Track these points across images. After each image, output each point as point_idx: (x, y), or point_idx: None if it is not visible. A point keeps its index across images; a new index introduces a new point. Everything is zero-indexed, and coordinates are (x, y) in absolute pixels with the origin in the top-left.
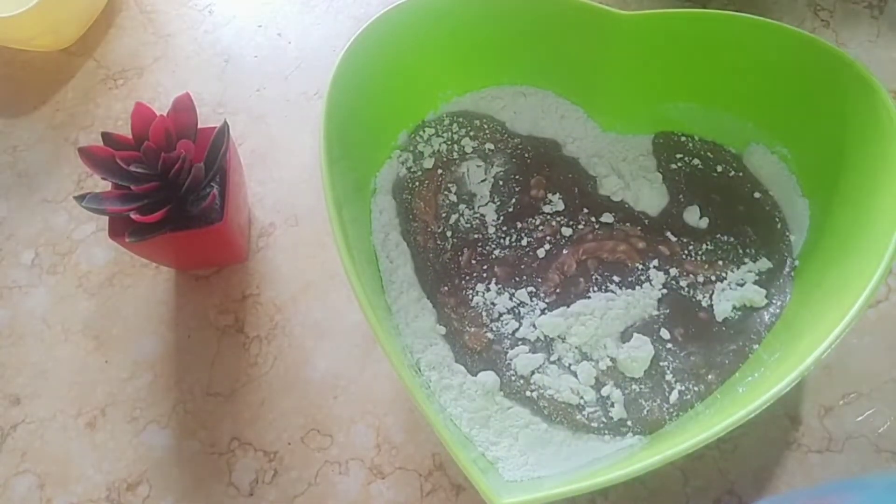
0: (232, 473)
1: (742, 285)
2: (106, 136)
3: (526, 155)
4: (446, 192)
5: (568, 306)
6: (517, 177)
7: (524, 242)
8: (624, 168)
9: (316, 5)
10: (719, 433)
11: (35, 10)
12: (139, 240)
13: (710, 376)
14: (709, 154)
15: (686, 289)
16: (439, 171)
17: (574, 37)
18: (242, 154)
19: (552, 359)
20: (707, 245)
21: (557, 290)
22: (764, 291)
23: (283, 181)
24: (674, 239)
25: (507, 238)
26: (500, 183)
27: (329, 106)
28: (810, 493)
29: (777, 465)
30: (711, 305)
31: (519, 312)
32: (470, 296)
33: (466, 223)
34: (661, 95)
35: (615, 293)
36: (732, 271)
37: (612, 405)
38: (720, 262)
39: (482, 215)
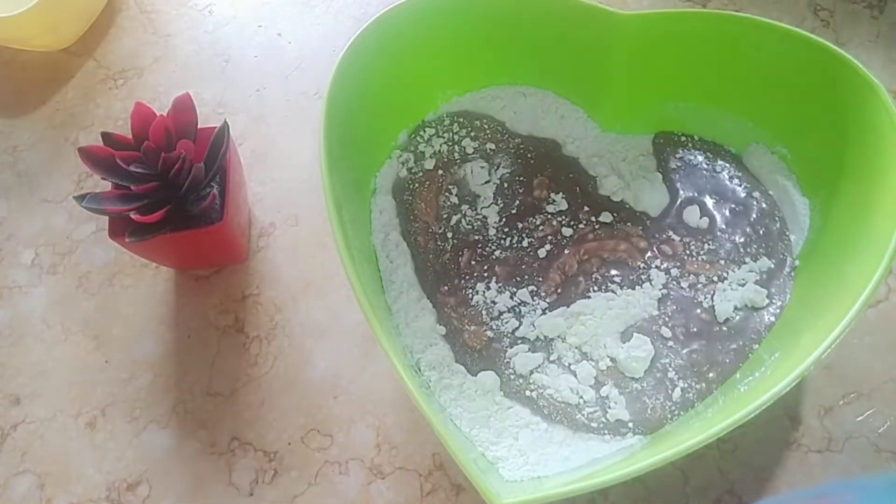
0: (232, 473)
1: (743, 285)
2: (106, 136)
3: (529, 155)
4: (447, 194)
5: (568, 306)
6: (521, 178)
7: (525, 243)
8: (624, 168)
9: (316, 5)
10: (719, 433)
11: (35, 10)
12: (139, 240)
13: (711, 374)
14: (709, 154)
15: (687, 289)
16: (440, 171)
17: (574, 37)
18: (242, 154)
19: (552, 358)
20: (709, 245)
21: (558, 290)
22: (765, 291)
23: (283, 181)
24: (676, 238)
25: (508, 239)
26: (505, 185)
27: (329, 106)
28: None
29: (777, 465)
30: (713, 306)
31: (520, 311)
32: (470, 295)
33: (468, 224)
34: (660, 95)
35: (615, 293)
36: (733, 271)
37: (612, 405)
38: (721, 262)
39: (484, 217)
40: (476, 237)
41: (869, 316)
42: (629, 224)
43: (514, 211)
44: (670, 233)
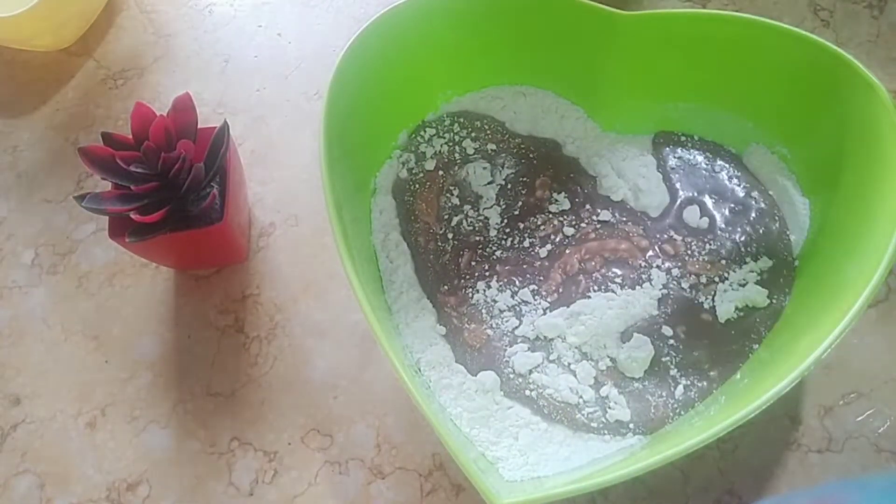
0: (232, 473)
1: (744, 285)
2: (106, 136)
3: (530, 155)
4: (448, 195)
5: (568, 306)
6: (523, 178)
7: (526, 243)
8: (624, 167)
9: (316, 5)
10: (719, 433)
11: (35, 10)
12: (139, 240)
13: (712, 372)
14: (709, 154)
15: (688, 290)
16: (440, 172)
17: (574, 37)
18: (242, 154)
19: (551, 357)
20: (710, 245)
21: (559, 290)
22: (766, 292)
23: (283, 181)
24: (678, 238)
25: (510, 239)
26: (508, 186)
27: (329, 106)
28: (810, 493)
29: (777, 465)
30: (714, 307)
31: (520, 310)
32: (470, 294)
33: (469, 226)
34: (660, 95)
35: (615, 293)
36: (734, 271)
37: (612, 405)
38: (723, 262)
39: (486, 217)
40: (477, 238)
41: (869, 316)
42: (630, 224)
43: (516, 212)
44: (671, 232)
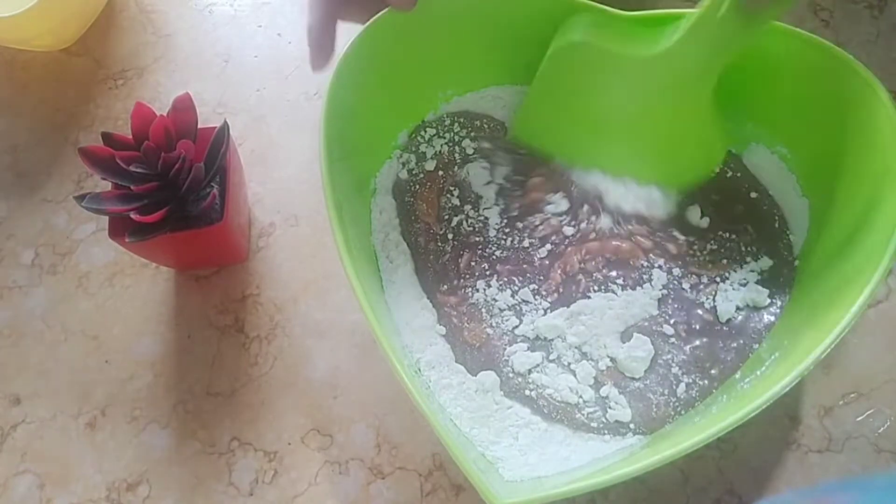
0: (232, 473)
1: (745, 285)
2: (106, 136)
3: (530, 155)
4: (448, 195)
5: (568, 306)
6: (521, 178)
7: (526, 243)
8: None
9: None
10: (719, 433)
11: (35, 10)
12: (139, 240)
13: (713, 371)
14: None
15: (689, 290)
16: (440, 172)
17: None
18: (242, 154)
19: (551, 357)
20: (710, 245)
21: (559, 290)
22: (766, 291)
23: (283, 181)
24: (681, 238)
25: (509, 239)
26: (507, 186)
27: (329, 106)
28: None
29: (777, 465)
30: (714, 307)
31: (520, 309)
32: (470, 293)
33: (469, 226)
34: None
35: (616, 293)
36: (735, 271)
37: (612, 405)
38: (723, 262)
39: (486, 218)
40: (477, 238)
41: (869, 316)
42: (632, 223)
43: (515, 212)
44: (674, 231)
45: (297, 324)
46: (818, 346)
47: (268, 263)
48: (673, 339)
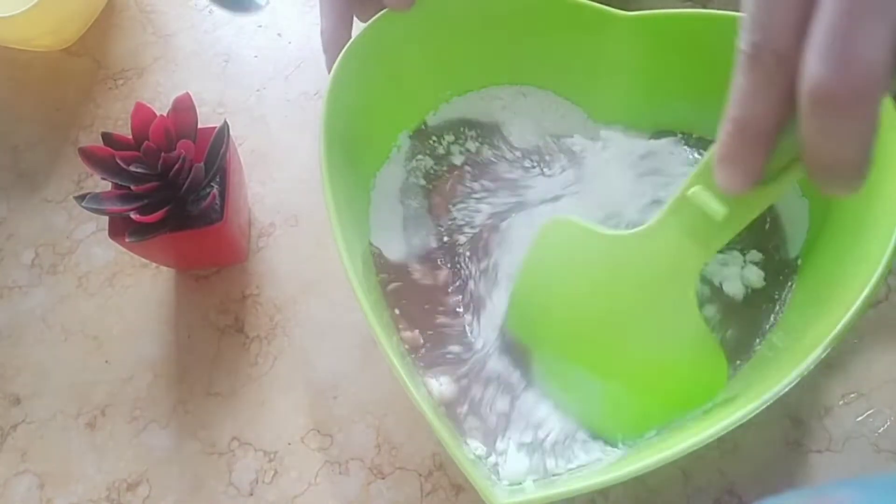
0: (232, 473)
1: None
2: (106, 136)
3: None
4: (450, 195)
5: None
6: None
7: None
8: None
9: (316, 5)
10: (719, 433)
11: (35, 10)
12: (139, 240)
13: None
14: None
15: None
16: (442, 173)
17: (574, 37)
18: (242, 154)
19: None
20: None
21: None
22: (763, 273)
23: (283, 181)
24: None
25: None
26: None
27: (329, 106)
28: (810, 493)
29: (777, 465)
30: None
31: None
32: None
33: (470, 226)
34: (660, 95)
35: None
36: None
37: None
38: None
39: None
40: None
41: (869, 316)
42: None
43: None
44: None
45: (297, 324)
46: (818, 347)
47: (268, 263)
48: None
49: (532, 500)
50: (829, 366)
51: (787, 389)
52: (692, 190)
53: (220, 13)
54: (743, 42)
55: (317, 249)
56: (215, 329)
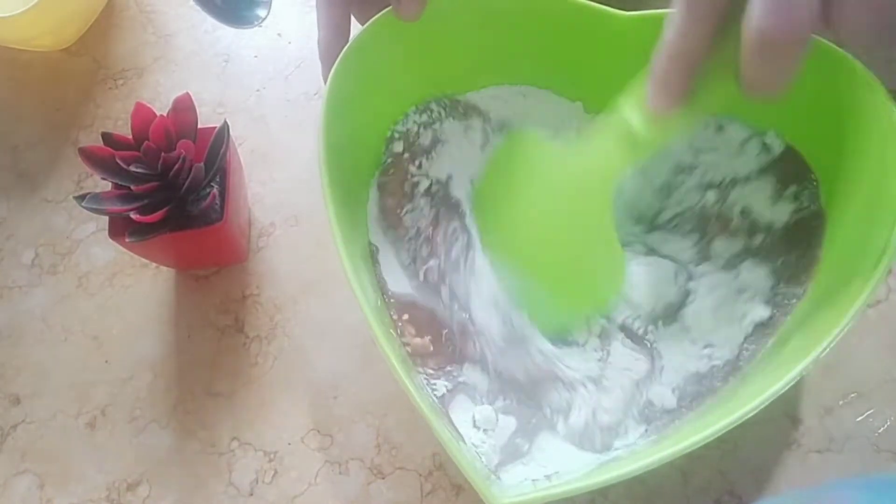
0: (232, 473)
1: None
2: (106, 136)
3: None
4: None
5: None
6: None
7: None
8: None
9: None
10: (719, 433)
11: (35, 10)
12: (139, 240)
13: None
14: None
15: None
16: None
17: (574, 38)
18: (242, 154)
19: None
20: None
21: None
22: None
23: (283, 181)
24: None
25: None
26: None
27: (329, 106)
28: (810, 493)
29: (777, 465)
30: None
31: None
32: None
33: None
34: None
35: None
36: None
37: None
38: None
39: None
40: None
41: (869, 316)
42: None
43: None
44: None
45: (297, 324)
46: (818, 346)
47: (268, 263)
48: None
49: (532, 500)
50: (829, 366)
51: (786, 389)
52: (624, 107)
53: None
54: None
55: (317, 249)
56: (215, 329)
